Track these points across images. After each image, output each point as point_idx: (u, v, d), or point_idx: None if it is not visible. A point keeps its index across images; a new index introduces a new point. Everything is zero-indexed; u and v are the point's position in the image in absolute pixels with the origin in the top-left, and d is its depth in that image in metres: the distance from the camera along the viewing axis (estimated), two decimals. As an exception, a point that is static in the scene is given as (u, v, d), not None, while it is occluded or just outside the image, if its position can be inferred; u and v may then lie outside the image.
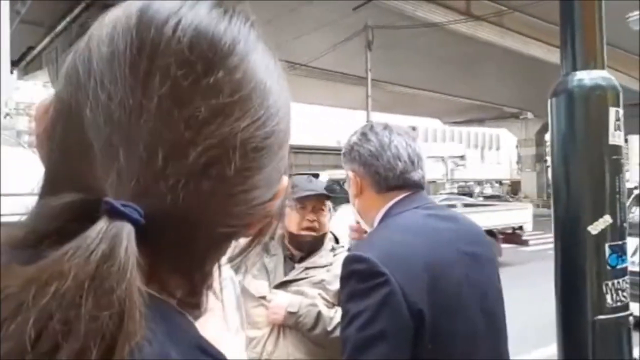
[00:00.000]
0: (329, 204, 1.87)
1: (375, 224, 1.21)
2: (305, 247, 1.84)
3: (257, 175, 0.38)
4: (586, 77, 1.51)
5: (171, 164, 0.33)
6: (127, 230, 0.31)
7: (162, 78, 0.33)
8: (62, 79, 0.37)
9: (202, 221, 0.35)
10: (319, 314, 1.68)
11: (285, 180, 0.42)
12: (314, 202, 1.82)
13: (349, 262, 1.07)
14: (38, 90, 16.54)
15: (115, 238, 0.31)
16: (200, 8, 0.36)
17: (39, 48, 16.99)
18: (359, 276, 1.03)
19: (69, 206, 0.33)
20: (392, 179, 1.19)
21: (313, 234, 1.82)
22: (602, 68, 1.53)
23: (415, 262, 1.05)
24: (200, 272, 0.39)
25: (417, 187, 1.22)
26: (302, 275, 1.80)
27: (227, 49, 0.36)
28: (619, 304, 1.51)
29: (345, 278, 1.07)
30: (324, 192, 1.85)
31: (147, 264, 0.33)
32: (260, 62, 0.38)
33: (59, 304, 0.28)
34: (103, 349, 0.29)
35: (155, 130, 0.33)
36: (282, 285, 1.79)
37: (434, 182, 24.79)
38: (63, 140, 0.36)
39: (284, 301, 1.71)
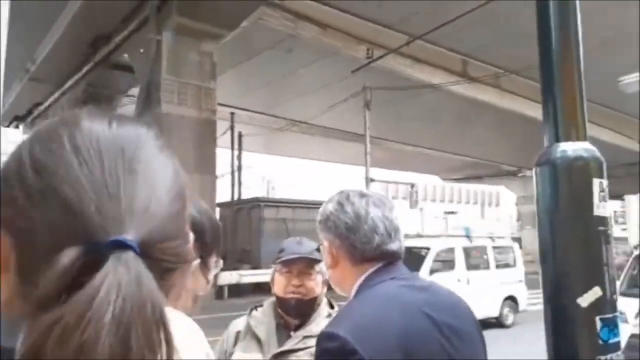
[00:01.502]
0: (320, 266, 1.80)
1: (352, 295, 1.19)
2: (292, 311, 1.77)
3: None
4: (569, 148, 1.53)
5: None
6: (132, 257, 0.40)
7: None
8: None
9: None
10: None
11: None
12: (301, 266, 1.77)
13: (321, 339, 1.04)
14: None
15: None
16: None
17: (46, 104, 17.41)
18: (330, 355, 1.00)
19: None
20: (368, 251, 1.18)
21: (298, 297, 1.75)
22: (584, 139, 1.55)
23: (389, 336, 1.02)
24: None
25: (394, 257, 1.21)
26: (300, 345, 1.70)
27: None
28: (613, 380, 1.46)
29: (318, 356, 1.04)
30: (311, 255, 1.78)
31: None
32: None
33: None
34: None
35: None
36: (280, 355, 1.69)
37: (436, 237, 24.83)
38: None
39: None
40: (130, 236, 0.41)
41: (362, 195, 1.24)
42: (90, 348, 0.35)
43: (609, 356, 1.47)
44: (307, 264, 1.77)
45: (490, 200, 40.38)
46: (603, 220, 1.50)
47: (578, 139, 1.54)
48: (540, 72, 1.65)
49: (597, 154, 1.53)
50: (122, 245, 0.40)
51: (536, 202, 1.60)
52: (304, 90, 15.46)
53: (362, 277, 1.18)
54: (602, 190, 1.50)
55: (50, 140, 0.45)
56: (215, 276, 1.41)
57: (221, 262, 1.48)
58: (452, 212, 34.54)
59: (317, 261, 1.78)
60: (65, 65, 14.62)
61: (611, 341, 1.48)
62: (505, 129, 18.79)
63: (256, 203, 18.32)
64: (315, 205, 19.47)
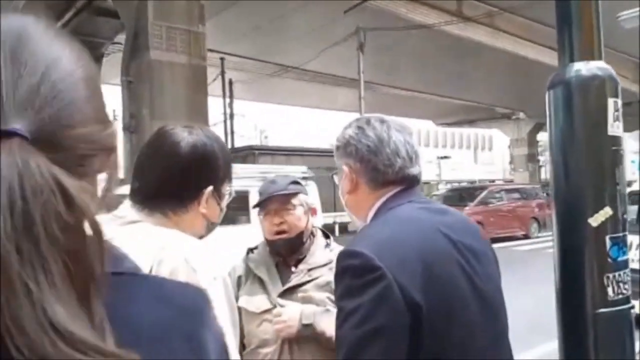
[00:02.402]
0: (299, 199, 1.76)
1: (369, 218, 1.19)
2: (282, 250, 1.75)
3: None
4: (584, 67, 1.50)
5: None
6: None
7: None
8: None
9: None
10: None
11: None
12: (276, 204, 1.73)
13: (343, 257, 1.04)
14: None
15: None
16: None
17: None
18: (353, 271, 1.00)
19: None
20: (390, 174, 1.17)
21: (284, 236, 1.72)
22: (600, 59, 1.52)
23: (410, 254, 1.03)
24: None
25: (413, 182, 1.20)
26: (306, 277, 1.70)
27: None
28: (620, 296, 1.50)
29: (339, 274, 1.04)
30: (283, 191, 1.74)
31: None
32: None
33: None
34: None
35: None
36: (288, 292, 1.68)
37: (427, 183, 24.99)
38: None
39: (296, 313, 1.60)
40: (17, 125, 0.42)
41: (382, 120, 1.22)
42: None
43: (617, 273, 1.50)
44: (284, 200, 1.73)
45: (483, 144, 40.50)
46: (616, 140, 1.49)
47: (593, 58, 1.51)
48: (556, -11, 1.59)
49: (612, 72, 1.50)
50: (6, 134, 0.41)
51: (548, 125, 1.58)
52: (295, 34, 15.05)
53: (381, 201, 1.18)
54: (616, 110, 1.48)
55: None
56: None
57: (233, 190, 1.46)
58: (446, 157, 34.77)
59: (294, 194, 1.76)
60: (45, 13, 14.06)
61: (620, 259, 1.51)
62: (499, 71, 18.57)
63: (250, 151, 18.26)
64: (309, 152, 19.52)
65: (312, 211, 1.81)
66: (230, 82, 19.35)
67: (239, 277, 1.79)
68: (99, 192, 0.50)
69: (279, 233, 1.73)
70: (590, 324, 1.49)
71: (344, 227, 14.98)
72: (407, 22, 13.82)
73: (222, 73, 18.00)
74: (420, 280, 0.99)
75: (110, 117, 0.52)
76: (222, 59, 17.31)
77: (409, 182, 1.19)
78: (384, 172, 1.17)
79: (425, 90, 21.96)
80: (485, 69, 18.47)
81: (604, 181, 1.48)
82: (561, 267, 1.58)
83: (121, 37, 12.40)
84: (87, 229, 0.42)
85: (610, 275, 1.49)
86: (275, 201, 1.74)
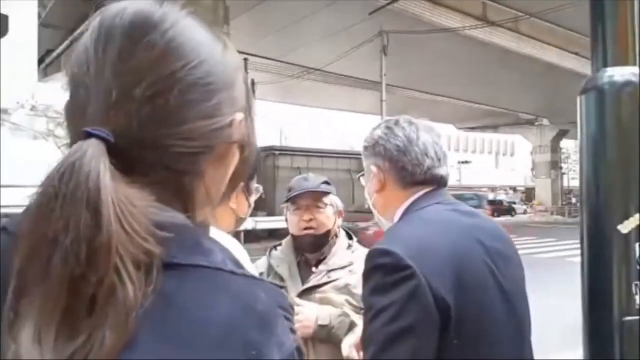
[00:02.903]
0: (330, 199, 1.79)
1: (396, 219, 1.20)
2: (308, 247, 1.76)
3: (201, 105, 0.49)
4: (617, 73, 1.49)
5: (123, 99, 0.46)
6: (93, 143, 0.43)
7: (112, 45, 0.48)
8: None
9: (157, 139, 0.47)
10: (352, 324, 1.58)
11: (239, 116, 0.53)
12: (309, 201, 1.76)
13: (374, 256, 1.05)
14: (57, 93, 16.58)
15: (82, 149, 0.42)
16: (140, 3, 0.51)
17: (58, 51, 17.25)
18: (384, 270, 1.01)
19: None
20: (418, 174, 1.18)
21: (312, 233, 1.74)
22: (634, 64, 1.50)
23: (441, 255, 1.03)
24: (183, 189, 0.50)
25: (441, 183, 1.21)
26: (325, 279, 1.71)
27: (158, 19, 0.49)
28: (649, 305, 1.48)
29: (369, 272, 1.04)
30: (318, 189, 1.76)
31: (140, 185, 0.45)
32: (189, 27, 0.51)
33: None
34: (84, 251, 0.39)
35: (110, 80, 0.46)
36: (306, 292, 1.70)
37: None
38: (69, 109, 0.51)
39: (313, 314, 1.61)
40: (103, 126, 0.45)
41: (411, 122, 1.24)
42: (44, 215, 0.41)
43: (646, 282, 1.48)
44: (316, 197, 1.76)
45: (505, 149, 39.97)
46: (649, 147, 1.47)
47: (627, 64, 1.49)
48: (590, -5, 1.58)
49: (647, 79, 1.49)
50: (90, 135, 0.44)
51: (580, 131, 1.57)
52: (319, 36, 15.10)
53: (410, 201, 1.19)
54: (649, 117, 1.47)
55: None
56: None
57: (261, 187, 1.49)
58: (466, 162, 34.46)
59: (326, 194, 1.78)
60: (75, 9, 14.37)
61: (649, 267, 1.49)
62: (524, 77, 18.34)
63: (271, 152, 18.35)
64: (329, 154, 19.57)
65: (339, 214, 1.83)
66: (253, 83, 19.50)
67: (261, 274, 1.81)
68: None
69: (306, 229, 1.75)
70: (617, 331, 1.48)
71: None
72: (431, 25, 13.75)
73: (246, 74, 18.15)
74: (450, 281, 1.00)
75: (228, 112, 0.52)
76: (245, 59, 17.47)
77: (437, 183, 1.20)
78: (413, 172, 1.18)
79: (448, 95, 21.79)
80: (509, 75, 18.26)
81: (635, 188, 1.47)
82: (588, 274, 1.57)
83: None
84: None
85: (639, 283, 1.47)
86: (308, 198, 1.76)
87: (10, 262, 0.40)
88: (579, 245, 1.61)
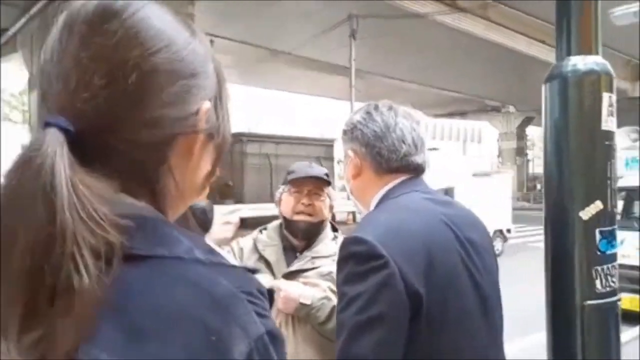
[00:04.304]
0: (329, 190, 1.80)
1: (372, 206, 1.19)
2: (299, 233, 1.76)
3: (161, 92, 0.48)
4: (580, 62, 1.51)
5: (81, 86, 0.46)
6: (51, 132, 0.43)
7: (73, 33, 0.48)
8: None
9: (117, 126, 0.47)
10: (333, 309, 1.57)
11: (206, 105, 0.52)
12: (311, 187, 1.76)
13: (347, 244, 1.05)
14: (12, 74, 15.85)
15: (40, 139, 0.43)
16: None
17: (13, 30, 16.47)
18: (357, 258, 1.01)
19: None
20: (394, 161, 1.17)
21: (308, 219, 1.74)
22: (597, 53, 1.52)
23: (414, 244, 1.03)
24: (148, 178, 0.50)
25: (417, 171, 1.20)
26: (309, 265, 1.72)
27: (119, 7, 0.49)
28: (608, 289, 1.52)
29: (342, 260, 1.04)
30: (323, 176, 1.77)
31: (102, 174, 0.45)
32: (152, 14, 0.50)
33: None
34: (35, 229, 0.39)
35: (69, 67, 0.47)
36: (289, 276, 1.70)
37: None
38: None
39: (296, 291, 1.61)
40: (62, 114, 0.45)
41: (390, 107, 1.23)
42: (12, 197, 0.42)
43: (605, 266, 1.52)
44: (317, 184, 1.77)
45: (472, 136, 40.69)
46: (609, 135, 1.50)
47: (590, 53, 1.51)
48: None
49: (609, 67, 1.51)
50: (50, 124, 0.44)
51: (544, 118, 1.59)
52: (287, 18, 14.91)
53: (386, 188, 1.18)
54: (610, 105, 1.50)
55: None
56: None
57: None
58: (434, 149, 34.84)
59: (327, 183, 1.79)
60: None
61: (609, 252, 1.53)
62: (491, 64, 18.61)
63: (238, 138, 18.11)
64: (299, 141, 19.41)
65: (331, 208, 1.83)
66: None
67: (241, 249, 1.82)
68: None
69: (301, 213, 1.74)
70: (578, 315, 1.52)
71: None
72: (400, 10, 13.74)
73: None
74: (422, 270, 1.00)
75: (193, 100, 0.51)
76: (211, 41, 17.12)
77: (414, 171, 1.20)
78: (388, 159, 1.17)
79: (417, 80, 21.95)
80: (477, 61, 18.49)
81: (596, 175, 1.50)
82: (551, 259, 1.61)
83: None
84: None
85: (599, 268, 1.51)
86: (311, 183, 1.76)
87: None
88: (542, 231, 1.64)
